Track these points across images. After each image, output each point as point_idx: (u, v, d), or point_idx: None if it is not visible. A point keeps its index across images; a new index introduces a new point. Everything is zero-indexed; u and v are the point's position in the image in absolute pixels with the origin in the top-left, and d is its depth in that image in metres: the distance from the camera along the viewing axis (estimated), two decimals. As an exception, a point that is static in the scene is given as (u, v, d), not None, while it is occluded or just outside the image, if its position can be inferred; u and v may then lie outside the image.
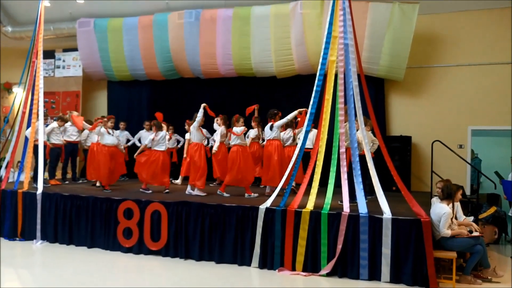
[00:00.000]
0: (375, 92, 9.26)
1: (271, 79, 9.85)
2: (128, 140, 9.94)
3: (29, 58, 8.38)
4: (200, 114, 7.34)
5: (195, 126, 7.40)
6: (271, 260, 5.85)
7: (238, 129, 7.28)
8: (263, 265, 5.88)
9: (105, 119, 8.15)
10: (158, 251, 6.39)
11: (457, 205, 6.00)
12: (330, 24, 6.33)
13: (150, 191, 7.46)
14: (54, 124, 8.65)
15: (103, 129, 7.94)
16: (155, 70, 10.51)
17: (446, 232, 5.38)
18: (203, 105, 7.38)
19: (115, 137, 8.21)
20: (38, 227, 7.13)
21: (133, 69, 10.67)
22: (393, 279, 5.32)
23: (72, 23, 10.83)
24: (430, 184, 8.23)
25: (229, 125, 7.67)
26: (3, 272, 5.65)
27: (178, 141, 9.89)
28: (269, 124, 7.49)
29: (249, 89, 10.14)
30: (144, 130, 9.83)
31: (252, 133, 8.27)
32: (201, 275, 5.67)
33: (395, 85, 9.40)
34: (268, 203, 6.07)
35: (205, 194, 7.26)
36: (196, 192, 7.32)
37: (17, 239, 7.28)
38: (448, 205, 5.58)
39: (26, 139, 8.11)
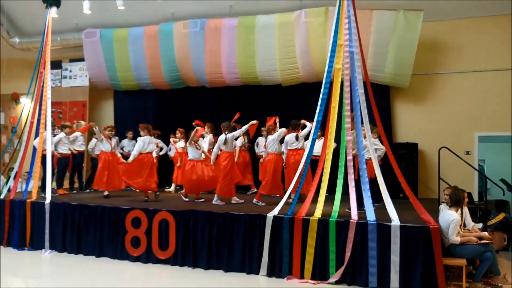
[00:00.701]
0: (381, 99, 9.27)
1: (276, 88, 9.89)
2: None
3: (37, 68, 8.47)
4: (244, 128, 7.42)
5: (235, 135, 7.41)
6: (280, 269, 5.83)
7: (272, 136, 7.49)
8: (271, 273, 5.86)
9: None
10: (166, 260, 6.39)
11: (466, 211, 5.98)
12: (336, 32, 6.36)
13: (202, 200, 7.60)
14: (62, 134, 8.71)
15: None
16: (160, 79, 10.58)
17: (455, 239, 5.36)
18: (254, 122, 7.52)
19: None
20: (47, 236, 7.15)
21: (139, 79, 10.75)
22: (402, 287, 5.29)
23: (79, 34, 10.95)
24: (437, 191, 8.22)
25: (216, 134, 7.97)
26: (11, 282, 5.68)
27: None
28: (293, 134, 7.57)
29: (254, 97, 10.19)
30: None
31: (239, 141, 8.34)
32: (209, 284, 5.67)
33: (400, 92, 9.42)
34: (276, 211, 6.07)
35: (223, 203, 7.23)
36: (215, 202, 7.24)
37: (26, 248, 7.31)
38: (456, 211, 5.56)
39: (34, 149, 8.17)
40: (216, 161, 7.42)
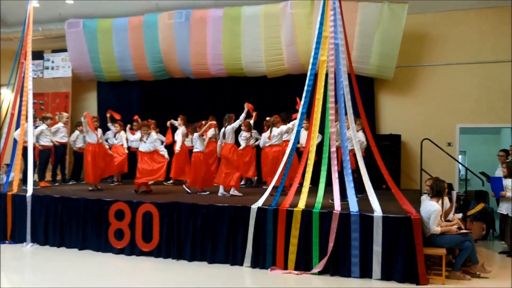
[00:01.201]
0: (365, 91, 9.31)
1: (262, 79, 9.87)
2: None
3: (18, 59, 8.31)
4: (242, 117, 7.49)
5: (235, 127, 7.48)
6: (263, 260, 5.86)
7: (279, 129, 7.69)
8: (255, 264, 5.89)
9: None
10: (150, 252, 6.37)
11: (446, 202, 6.07)
12: (321, 24, 6.37)
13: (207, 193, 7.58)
14: (43, 126, 8.57)
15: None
16: (145, 70, 10.47)
17: (436, 229, 5.44)
18: (246, 107, 7.60)
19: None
20: (28, 230, 7.06)
21: (123, 70, 10.63)
22: (384, 277, 5.37)
23: (61, 24, 10.75)
24: (419, 182, 8.32)
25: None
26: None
27: (162, 142, 9.90)
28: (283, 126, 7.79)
29: (239, 89, 10.15)
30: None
31: (210, 132, 8.53)
32: (193, 275, 5.67)
33: (384, 84, 9.48)
34: (260, 202, 6.08)
35: (241, 194, 7.35)
36: (233, 192, 7.36)
37: (7, 242, 7.20)
38: (437, 202, 5.64)
39: (15, 141, 8.04)
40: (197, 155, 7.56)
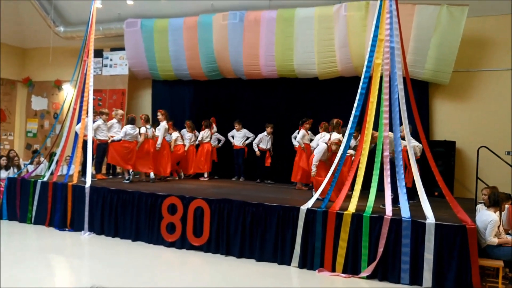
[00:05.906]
0: (419, 95, 9.06)
1: (313, 81, 9.85)
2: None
3: (81, 57, 8.76)
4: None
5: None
6: (311, 261, 5.87)
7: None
8: (303, 265, 5.92)
9: None
10: (200, 246, 6.54)
11: (504, 213, 5.85)
12: (376, 27, 6.31)
13: None
14: (100, 121, 8.96)
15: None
16: (198, 70, 10.73)
17: (492, 240, 5.27)
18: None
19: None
20: (86, 219, 7.43)
21: (178, 69, 10.94)
22: (435, 285, 5.24)
23: (120, 23, 11.22)
24: (474, 191, 8.04)
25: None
26: (56, 260, 5.99)
27: (219, 140, 10.18)
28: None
29: (290, 90, 10.19)
30: (186, 129, 10.13)
31: (174, 135, 9.67)
32: (241, 272, 5.78)
33: (440, 89, 9.22)
34: (310, 204, 6.11)
35: None
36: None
37: (67, 229, 7.63)
38: (495, 212, 5.46)
39: (76, 134, 8.49)
40: None
